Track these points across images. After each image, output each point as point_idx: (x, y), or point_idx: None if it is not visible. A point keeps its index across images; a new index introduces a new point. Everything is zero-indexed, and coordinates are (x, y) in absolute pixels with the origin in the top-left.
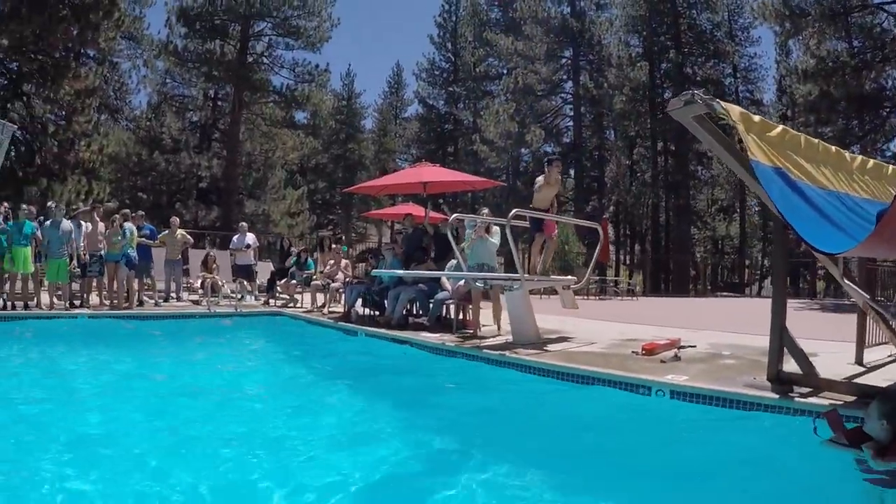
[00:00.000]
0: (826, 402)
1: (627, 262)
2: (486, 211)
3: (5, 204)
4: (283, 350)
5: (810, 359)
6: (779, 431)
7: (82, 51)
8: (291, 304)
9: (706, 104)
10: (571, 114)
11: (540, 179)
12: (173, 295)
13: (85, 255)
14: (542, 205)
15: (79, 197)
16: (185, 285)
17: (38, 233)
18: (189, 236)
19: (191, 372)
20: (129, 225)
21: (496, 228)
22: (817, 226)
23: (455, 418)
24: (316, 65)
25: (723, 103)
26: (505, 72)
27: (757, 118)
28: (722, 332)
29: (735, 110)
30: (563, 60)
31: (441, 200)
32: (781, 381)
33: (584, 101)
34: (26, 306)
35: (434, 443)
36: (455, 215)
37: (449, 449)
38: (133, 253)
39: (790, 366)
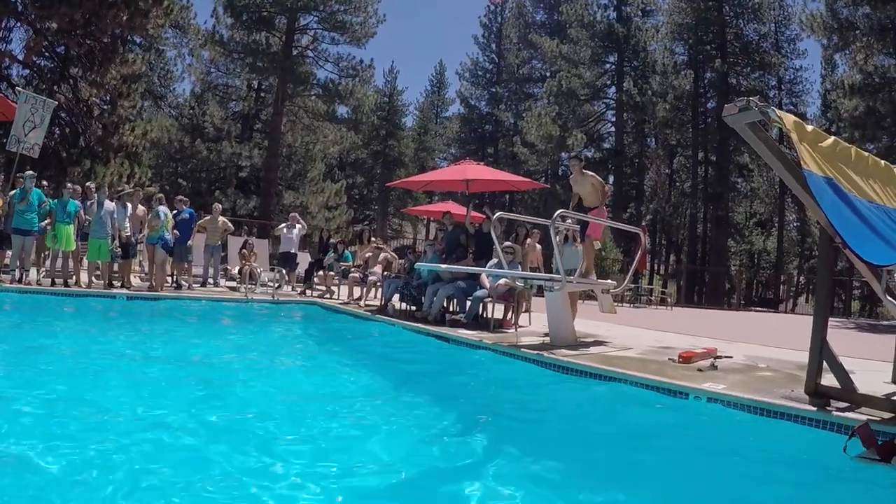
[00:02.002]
0: (864, 417)
1: (662, 271)
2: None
3: (44, 183)
4: (318, 338)
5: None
6: (816, 444)
7: (129, 37)
8: (328, 295)
9: (761, 111)
10: (613, 119)
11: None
12: (211, 280)
13: (131, 236)
14: (585, 202)
15: (121, 180)
16: (221, 272)
17: (82, 212)
18: (230, 223)
19: (225, 354)
20: (162, 208)
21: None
22: (865, 238)
23: (489, 415)
24: (360, 60)
25: (777, 111)
26: (548, 74)
27: (810, 128)
28: (758, 344)
29: (789, 119)
30: (607, 65)
31: (485, 199)
32: (819, 395)
33: (626, 108)
34: (66, 283)
35: (466, 437)
36: (499, 214)
37: (481, 444)
38: (168, 236)
39: (827, 381)
